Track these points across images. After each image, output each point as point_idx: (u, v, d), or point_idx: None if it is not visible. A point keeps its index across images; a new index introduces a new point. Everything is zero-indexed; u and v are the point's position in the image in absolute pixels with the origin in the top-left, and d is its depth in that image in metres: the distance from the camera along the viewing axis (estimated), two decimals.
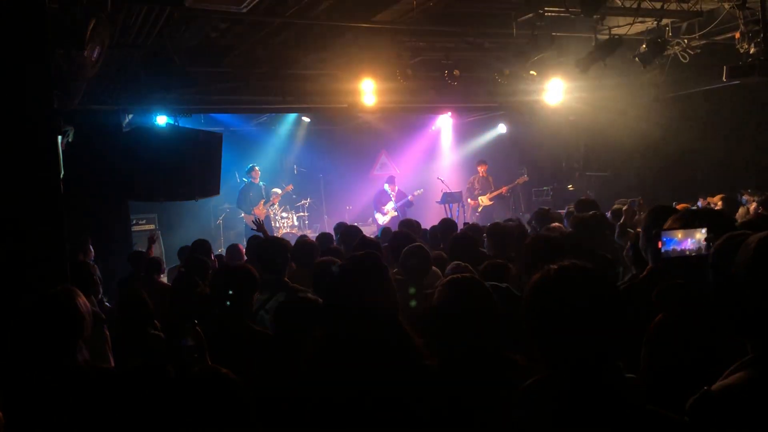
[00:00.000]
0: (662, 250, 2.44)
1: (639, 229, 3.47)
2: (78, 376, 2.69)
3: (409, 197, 13.34)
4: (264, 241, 5.23)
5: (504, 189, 13.49)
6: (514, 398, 1.73)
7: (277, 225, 13.54)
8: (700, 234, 2.38)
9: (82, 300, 2.83)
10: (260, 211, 12.81)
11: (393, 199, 13.41)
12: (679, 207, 5.83)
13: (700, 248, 2.38)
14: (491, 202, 13.57)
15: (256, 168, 13.25)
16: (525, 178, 13.43)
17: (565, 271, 1.67)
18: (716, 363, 2.39)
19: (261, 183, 13.28)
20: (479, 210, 13.57)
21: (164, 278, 7.45)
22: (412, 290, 3.98)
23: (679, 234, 2.42)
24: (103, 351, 4.04)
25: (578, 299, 1.61)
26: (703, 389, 1.59)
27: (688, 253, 2.40)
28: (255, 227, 7.71)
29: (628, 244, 4.29)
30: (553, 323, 1.63)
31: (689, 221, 2.49)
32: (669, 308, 2.51)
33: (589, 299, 1.61)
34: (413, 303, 3.76)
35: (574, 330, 1.60)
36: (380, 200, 13.60)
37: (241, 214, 13.23)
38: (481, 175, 13.78)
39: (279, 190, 13.56)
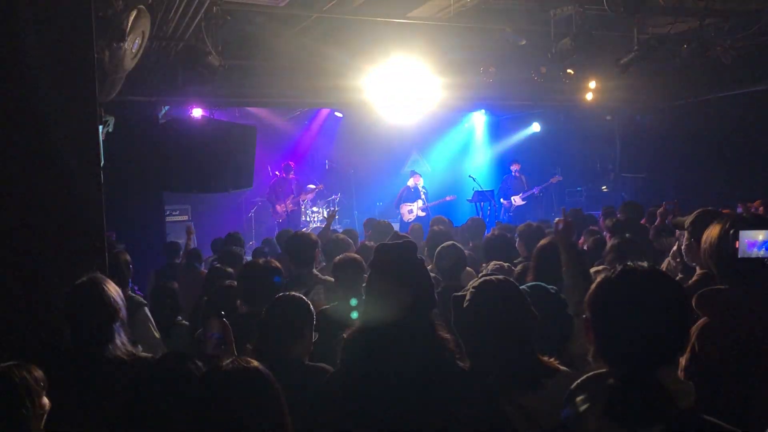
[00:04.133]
0: (740, 251, 2.35)
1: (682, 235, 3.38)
2: (113, 363, 2.72)
3: (446, 197, 13.31)
4: (293, 236, 5.25)
5: (537, 189, 13.35)
6: (564, 398, 1.71)
7: (307, 219, 13.61)
8: None
9: (112, 285, 2.87)
10: (283, 207, 12.89)
11: (423, 198, 13.22)
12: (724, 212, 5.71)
13: None
14: (524, 202, 13.43)
15: (291, 165, 13.37)
16: (558, 178, 13.28)
17: (633, 270, 1.67)
18: (757, 371, 2.34)
19: (294, 179, 13.38)
20: (512, 210, 13.44)
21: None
22: (353, 301, 3.64)
23: (760, 235, 2.34)
24: (148, 331, 4.10)
25: (646, 299, 1.61)
26: None
27: (763, 256, 2.32)
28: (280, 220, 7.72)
29: (674, 247, 4.20)
30: (617, 322, 1.63)
31: (756, 224, 2.40)
32: (711, 313, 2.45)
33: (656, 299, 1.61)
34: (354, 315, 3.26)
35: (638, 330, 1.59)
36: (407, 197, 13.37)
37: (270, 207, 13.34)
38: (514, 174, 13.65)
39: (313, 186, 13.64)
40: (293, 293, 3.12)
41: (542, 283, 3.08)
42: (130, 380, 2.34)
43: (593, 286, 1.73)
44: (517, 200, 13.44)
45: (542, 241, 3.78)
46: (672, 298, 1.63)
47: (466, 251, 5.51)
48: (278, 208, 12.85)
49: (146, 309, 4.23)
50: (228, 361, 1.97)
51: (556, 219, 3.39)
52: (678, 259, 4.06)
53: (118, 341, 2.81)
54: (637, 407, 1.52)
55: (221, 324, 2.59)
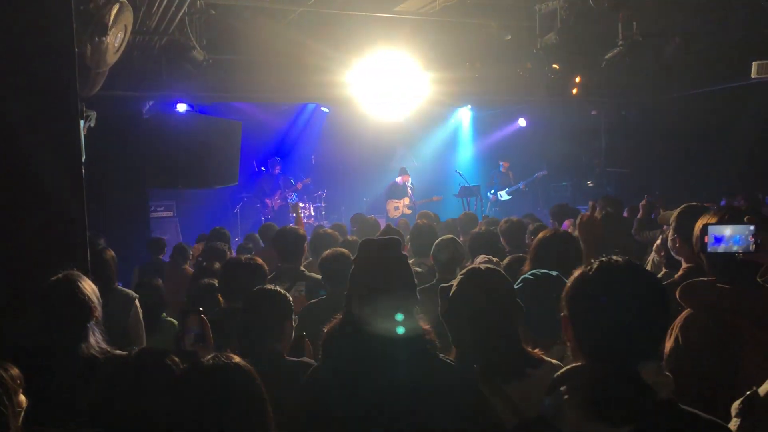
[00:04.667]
0: (709, 246, 2.39)
1: (667, 229, 3.40)
2: (87, 361, 2.69)
3: (433, 198, 13.38)
4: (281, 231, 5.23)
5: (523, 185, 13.44)
6: (546, 388, 1.71)
7: (294, 215, 13.57)
8: (748, 231, 2.33)
9: (87, 283, 2.84)
10: (275, 202, 12.87)
11: (410, 195, 13.27)
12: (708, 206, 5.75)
13: (747, 246, 2.32)
14: (509, 197, 13.51)
15: (278, 159, 13.35)
16: (544, 172, 13.37)
17: (610, 265, 1.65)
18: (739, 362, 2.36)
19: (280, 174, 13.36)
20: (498, 205, 13.52)
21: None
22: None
23: (727, 230, 2.36)
24: (138, 334, 4.08)
25: (622, 293, 1.60)
26: (750, 391, 1.55)
27: (735, 250, 2.35)
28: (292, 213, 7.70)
29: (658, 240, 4.22)
30: (596, 315, 1.62)
31: (737, 218, 2.43)
32: (694, 304, 2.47)
33: (633, 293, 1.60)
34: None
35: (616, 324, 1.58)
36: (393, 193, 13.42)
37: (258, 203, 13.30)
38: (503, 171, 13.77)
39: (299, 184, 13.66)
40: (271, 287, 3.10)
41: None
42: (103, 378, 2.31)
43: (570, 280, 1.72)
44: (503, 195, 13.52)
45: (543, 233, 3.78)
46: (649, 292, 1.62)
47: None
48: (267, 202, 12.85)
49: (137, 302, 4.19)
50: (209, 356, 1.96)
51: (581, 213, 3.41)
52: (662, 253, 4.08)
53: (92, 340, 2.77)
54: (615, 401, 1.52)
55: (199, 320, 2.57)
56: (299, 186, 13.65)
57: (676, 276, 3.17)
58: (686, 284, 2.52)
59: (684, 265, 3.20)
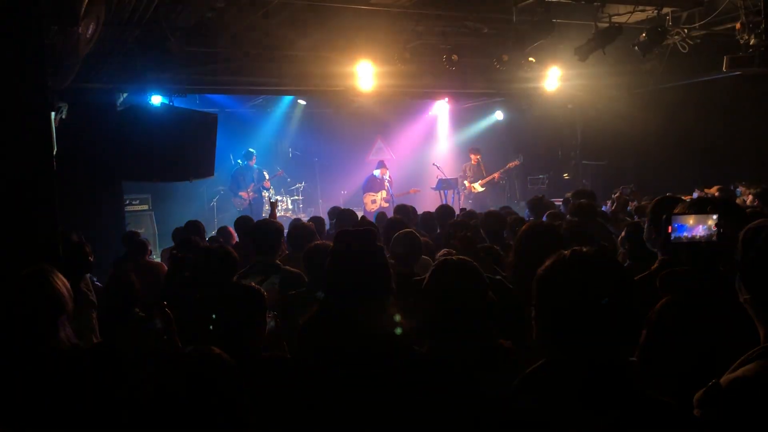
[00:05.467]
0: (672, 236, 2.41)
1: (643, 220, 3.44)
2: (56, 356, 2.65)
3: (410, 191, 13.41)
4: (257, 224, 5.19)
5: (496, 174, 13.50)
6: (517, 384, 1.72)
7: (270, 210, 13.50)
8: (712, 221, 2.36)
9: (59, 277, 2.78)
10: (247, 194, 12.80)
11: (387, 188, 13.31)
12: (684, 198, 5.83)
13: (711, 235, 2.35)
14: (483, 189, 13.58)
15: (253, 152, 13.25)
16: (517, 162, 13.42)
17: (580, 255, 1.66)
18: (716, 352, 2.39)
19: (255, 167, 13.28)
20: (471, 197, 13.57)
21: (156, 258, 7.40)
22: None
23: (690, 220, 2.39)
24: (87, 336, 4.00)
25: (593, 283, 1.60)
26: (712, 381, 1.57)
27: (698, 239, 2.37)
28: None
29: (623, 233, 4.27)
30: (565, 307, 1.62)
31: (700, 208, 2.46)
32: (672, 294, 2.50)
33: (604, 284, 1.61)
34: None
35: (587, 315, 1.59)
36: (371, 187, 13.48)
37: (232, 196, 13.22)
38: (473, 163, 13.80)
39: (279, 171, 13.64)
40: (245, 283, 3.09)
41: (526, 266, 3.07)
42: (68, 372, 2.28)
43: (539, 271, 1.72)
44: (476, 187, 13.58)
45: (527, 225, 3.81)
46: (617, 282, 1.63)
47: (424, 239, 5.53)
48: (242, 195, 12.78)
49: (93, 311, 4.13)
50: (190, 348, 1.94)
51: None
52: (626, 246, 4.14)
53: (62, 335, 2.72)
54: (591, 395, 1.53)
55: (163, 313, 2.56)
56: (276, 174, 13.56)
57: (652, 267, 3.19)
58: (667, 272, 2.54)
59: (660, 257, 3.23)
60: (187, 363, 1.87)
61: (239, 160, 13.31)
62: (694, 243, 2.41)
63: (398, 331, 2.36)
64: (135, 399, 1.91)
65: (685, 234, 2.43)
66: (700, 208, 2.48)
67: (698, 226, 2.41)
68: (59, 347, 2.63)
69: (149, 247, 6.84)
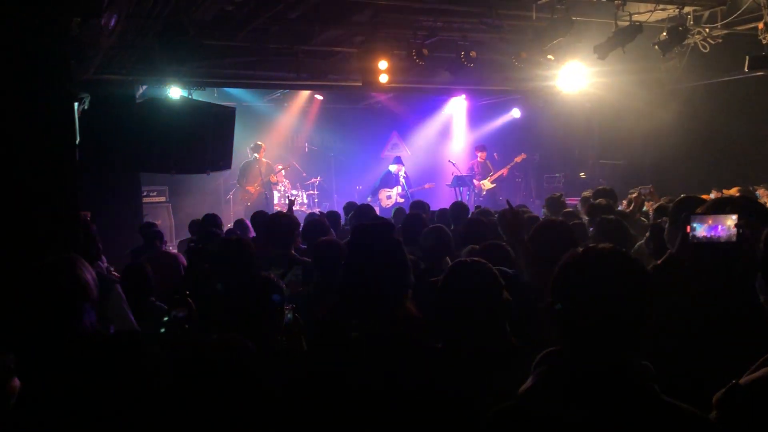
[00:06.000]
0: (690, 236, 2.40)
1: (664, 220, 3.41)
2: (81, 344, 2.68)
3: (425, 185, 13.37)
4: (272, 216, 5.23)
5: (505, 170, 13.47)
6: (527, 382, 1.72)
7: (285, 202, 13.53)
8: (731, 221, 2.34)
9: (84, 265, 2.82)
10: (254, 189, 12.80)
11: (402, 183, 13.30)
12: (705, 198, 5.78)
13: (730, 235, 2.34)
14: (494, 185, 13.56)
15: (261, 144, 13.22)
16: (524, 155, 13.40)
17: (594, 251, 1.65)
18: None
19: (264, 160, 13.27)
20: (483, 194, 13.55)
21: (173, 249, 7.46)
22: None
23: (709, 220, 2.38)
24: (121, 310, 4.05)
25: (608, 277, 1.59)
26: (731, 382, 1.56)
27: (717, 239, 2.36)
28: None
29: (647, 234, 4.25)
30: (580, 299, 1.60)
31: (720, 207, 2.45)
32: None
33: (618, 279, 1.59)
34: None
35: (600, 307, 1.57)
36: (386, 183, 13.46)
37: (240, 190, 13.22)
38: (480, 160, 13.77)
39: (280, 168, 13.58)
40: (265, 274, 3.11)
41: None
42: (93, 359, 2.31)
43: (556, 268, 1.70)
44: (486, 184, 13.57)
45: (541, 222, 3.81)
46: (634, 279, 1.61)
47: None
48: (249, 189, 12.77)
49: (118, 287, 4.17)
50: (215, 335, 1.96)
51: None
52: (651, 246, 4.12)
53: (87, 322, 2.76)
54: (596, 384, 1.53)
55: (185, 303, 2.58)
56: (282, 169, 13.50)
57: (658, 261, 3.17)
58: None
59: (668, 251, 3.21)
60: (212, 350, 1.89)
61: (256, 155, 13.29)
62: (712, 243, 2.40)
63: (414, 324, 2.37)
64: (157, 385, 1.94)
65: (703, 234, 2.42)
66: (720, 208, 2.47)
67: (717, 226, 2.39)
68: (83, 334, 2.67)
69: (165, 238, 6.90)
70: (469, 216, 7.17)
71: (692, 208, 2.67)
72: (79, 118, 4.25)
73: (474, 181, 13.56)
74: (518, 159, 13.40)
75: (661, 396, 1.57)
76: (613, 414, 1.50)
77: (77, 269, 2.74)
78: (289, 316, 3.10)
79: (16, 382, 2.30)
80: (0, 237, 3.44)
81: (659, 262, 2.96)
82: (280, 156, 14.43)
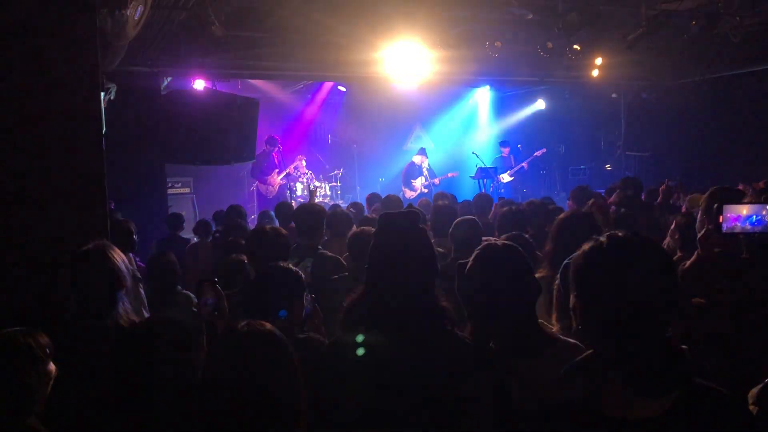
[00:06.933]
0: (724, 227, 2.35)
1: (698, 211, 3.34)
2: (115, 331, 2.71)
3: (449, 174, 13.35)
4: (299, 207, 5.24)
5: (525, 164, 13.44)
6: (564, 372, 1.69)
7: (306, 193, 13.52)
8: (766, 210, 2.29)
9: (117, 253, 2.85)
10: (274, 180, 12.79)
11: (426, 175, 13.27)
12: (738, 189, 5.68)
13: (765, 225, 2.28)
14: (512, 178, 13.60)
15: (276, 138, 13.19)
16: (544, 150, 13.40)
17: (622, 237, 1.61)
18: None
19: (279, 151, 13.22)
20: (502, 187, 13.55)
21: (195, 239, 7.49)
22: None
23: (744, 209, 2.33)
24: (138, 310, 4.09)
25: (636, 264, 1.55)
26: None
27: (752, 229, 2.31)
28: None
29: (674, 225, 4.19)
30: (604, 291, 1.57)
31: (755, 197, 2.40)
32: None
33: (647, 265, 1.56)
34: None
35: (627, 298, 1.54)
36: (410, 174, 13.42)
37: (254, 183, 13.21)
38: (504, 155, 13.86)
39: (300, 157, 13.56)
40: (284, 264, 3.10)
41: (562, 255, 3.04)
42: (128, 345, 2.33)
43: (577, 257, 1.66)
44: (505, 177, 13.59)
45: (564, 213, 3.77)
46: (661, 264, 1.57)
47: None
48: (270, 180, 12.76)
49: (141, 290, 4.21)
50: (243, 323, 1.96)
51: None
52: (676, 236, 4.07)
53: (121, 309, 2.79)
54: (652, 372, 1.50)
55: (214, 290, 2.59)
56: (296, 162, 13.45)
57: (686, 264, 3.09)
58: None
59: (698, 250, 3.14)
60: (240, 337, 1.89)
61: (279, 147, 13.25)
62: (746, 233, 2.35)
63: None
64: (189, 372, 1.95)
65: (738, 225, 2.37)
66: (755, 198, 2.42)
67: (751, 216, 2.34)
68: (119, 321, 2.70)
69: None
70: (493, 208, 7.14)
71: (727, 198, 2.61)
72: (105, 108, 4.27)
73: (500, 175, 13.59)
74: (538, 153, 13.40)
75: (698, 380, 1.55)
76: (650, 398, 1.48)
77: (111, 257, 2.77)
78: (308, 307, 3.09)
79: (52, 366, 2.33)
80: (29, 227, 3.48)
81: (696, 254, 2.90)
82: (304, 149, 14.44)
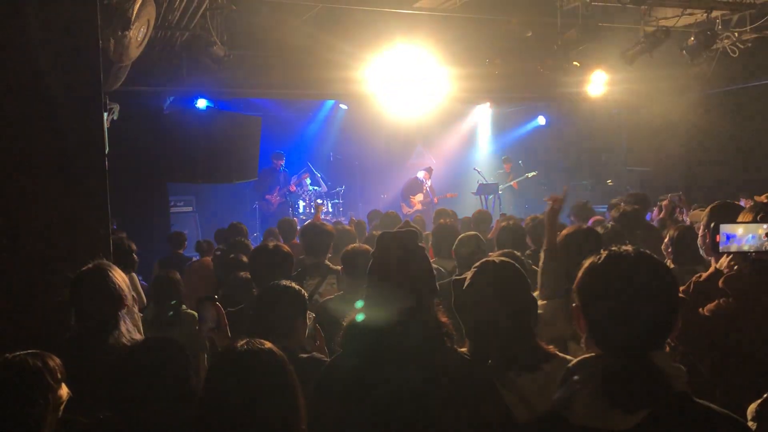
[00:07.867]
0: (720, 245, 2.36)
1: (700, 226, 3.35)
2: (117, 350, 2.71)
3: (447, 194, 13.41)
4: (308, 225, 5.26)
5: (514, 183, 13.51)
6: (559, 380, 1.70)
7: (312, 211, 13.56)
8: (762, 230, 2.30)
9: (118, 273, 2.86)
10: (274, 198, 12.82)
11: (426, 192, 13.29)
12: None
13: (762, 245, 2.29)
14: (500, 192, 13.72)
15: (282, 154, 13.26)
16: (535, 173, 13.53)
17: (619, 254, 1.64)
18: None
19: (282, 170, 13.30)
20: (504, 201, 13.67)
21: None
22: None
23: (739, 229, 2.34)
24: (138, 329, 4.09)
25: (634, 279, 1.58)
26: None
27: (747, 248, 2.32)
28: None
29: (667, 238, 4.21)
30: (607, 306, 1.60)
31: (753, 217, 2.41)
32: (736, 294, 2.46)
33: (644, 282, 1.58)
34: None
35: (628, 314, 1.57)
36: (411, 189, 13.42)
37: (258, 199, 13.25)
38: (506, 171, 14.01)
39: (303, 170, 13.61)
40: (286, 283, 3.09)
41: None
42: (131, 364, 2.33)
43: (581, 271, 1.69)
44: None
45: (568, 229, 3.79)
46: (659, 280, 1.60)
47: None
48: (268, 198, 12.79)
49: (136, 307, 4.20)
50: (242, 341, 1.96)
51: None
52: (669, 250, 4.09)
53: (123, 328, 2.79)
54: (628, 387, 1.51)
55: (214, 308, 2.60)
56: (300, 178, 13.49)
57: (702, 276, 3.10)
58: (731, 275, 2.51)
59: (713, 265, 3.15)
60: (240, 355, 1.90)
61: (282, 163, 13.29)
62: (742, 253, 2.36)
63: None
64: (189, 392, 1.95)
65: (734, 243, 2.38)
66: (753, 217, 2.43)
67: (747, 236, 2.35)
68: (120, 340, 2.70)
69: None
70: (492, 224, 7.14)
71: (727, 214, 2.62)
72: (108, 128, 4.30)
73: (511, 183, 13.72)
74: (529, 175, 13.50)
75: (695, 399, 1.55)
76: (649, 413, 1.49)
77: (112, 276, 2.78)
78: (310, 325, 3.10)
79: (65, 390, 2.28)
80: (32, 246, 3.50)
81: (708, 272, 2.90)
82: (305, 166, 14.48)
